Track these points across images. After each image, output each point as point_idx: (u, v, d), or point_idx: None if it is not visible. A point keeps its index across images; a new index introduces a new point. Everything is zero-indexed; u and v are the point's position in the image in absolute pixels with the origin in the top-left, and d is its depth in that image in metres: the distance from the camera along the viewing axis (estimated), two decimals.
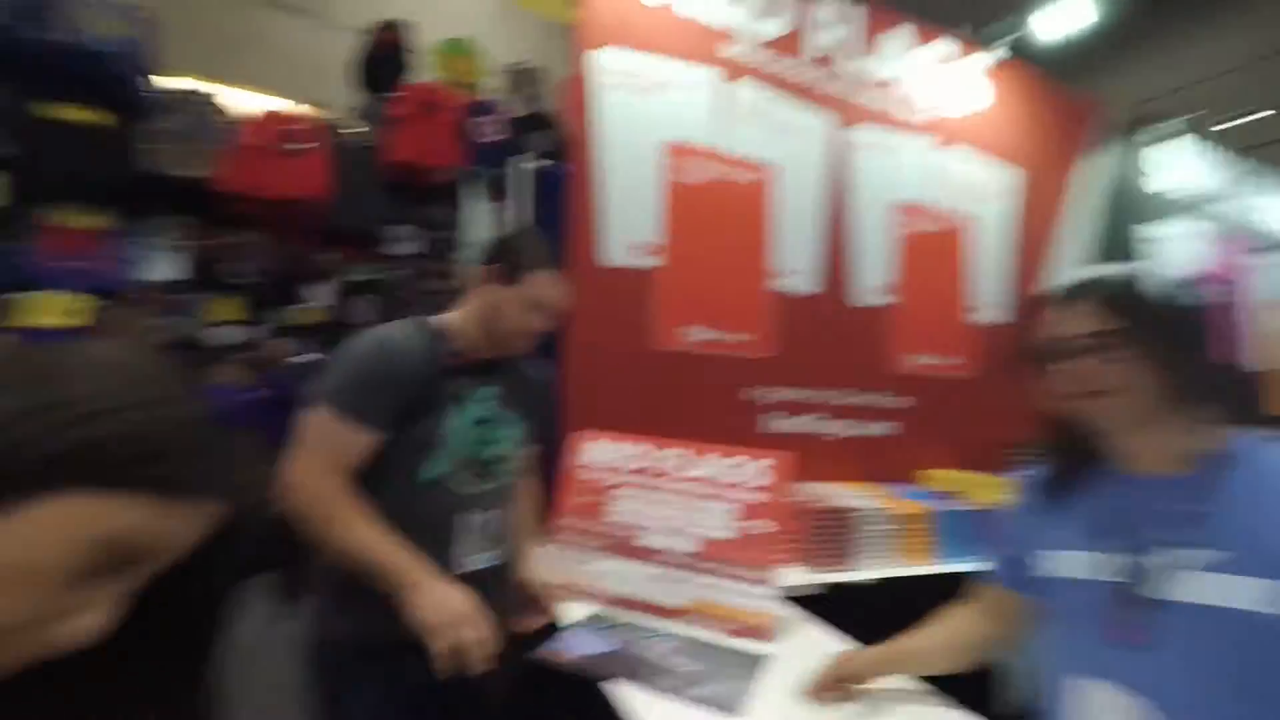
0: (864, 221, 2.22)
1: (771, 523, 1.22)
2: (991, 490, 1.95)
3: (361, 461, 1.02)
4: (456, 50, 4.11)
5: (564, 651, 1.04)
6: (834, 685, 0.95)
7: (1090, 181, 2.74)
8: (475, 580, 1.05)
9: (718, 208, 1.97)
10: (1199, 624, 0.67)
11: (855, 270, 2.20)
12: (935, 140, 2.36)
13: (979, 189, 2.46)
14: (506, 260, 1.14)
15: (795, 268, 2.10)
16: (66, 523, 0.33)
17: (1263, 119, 4.24)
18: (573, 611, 1.20)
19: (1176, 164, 3.12)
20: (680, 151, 1.93)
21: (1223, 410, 0.75)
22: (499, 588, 1.14)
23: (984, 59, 2.44)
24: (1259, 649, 0.64)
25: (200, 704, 0.44)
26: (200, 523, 0.38)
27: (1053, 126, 2.64)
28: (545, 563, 1.25)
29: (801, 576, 1.51)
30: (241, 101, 3.72)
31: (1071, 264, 2.70)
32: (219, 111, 3.59)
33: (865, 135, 2.23)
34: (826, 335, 2.12)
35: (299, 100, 4.19)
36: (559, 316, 1.20)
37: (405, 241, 4.32)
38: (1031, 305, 0.85)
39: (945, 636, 0.97)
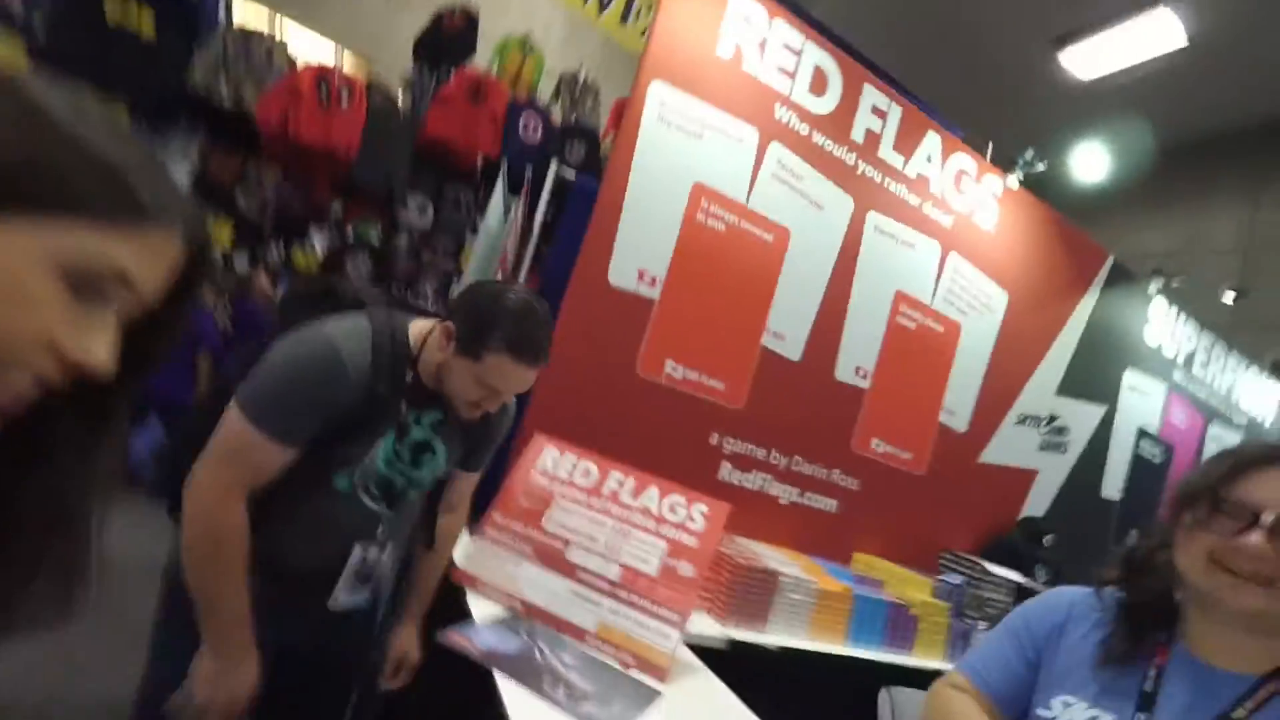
0: (862, 302, 2.30)
1: (694, 567, 1.26)
2: (914, 588, 2.00)
3: (276, 474, 0.94)
4: (519, 48, 4.22)
5: (472, 640, 1.06)
6: None
7: (1079, 319, 2.87)
8: (339, 619, 1.08)
9: (729, 256, 2.04)
10: None
11: (843, 347, 2.27)
12: (942, 245, 2.46)
13: (972, 301, 2.56)
14: (470, 327, 0.97)
15: (787, 331, 2.17)
16: (13, 245, 0.32)
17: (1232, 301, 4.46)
18: (487, 608, 1.22)
19: (1161, 321, 3.26)
20: (707, 195, 2.00)
21: None
22: (360, 630, 1.16)
23: (1002, 182, 2.56)
24: None
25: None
26: (157, 252, 0.36)
27: (1050, 259, 2.76)
28: (413, 634, 1.21)
29: (711, 627, 1.54)
30: (302, 43, 3.80)
31: (1047, 393, 2.81)
32: (280, 53, 3.67)
33: (881, 222, 2.33)
34: (799, 402, 2.18)
35: (358, 56, 4.29)
36: (510, 398, 1.06)
37: (417, 211, 4.39)
38: (1234, 457, 0.74)
39: None
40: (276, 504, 0.96)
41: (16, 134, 0.32)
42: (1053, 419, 2.84)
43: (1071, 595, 0.88)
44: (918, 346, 2.43)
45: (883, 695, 1.63)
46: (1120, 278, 3.00)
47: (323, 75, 3.58)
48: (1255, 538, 0.67)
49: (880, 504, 2.34)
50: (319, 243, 4.38)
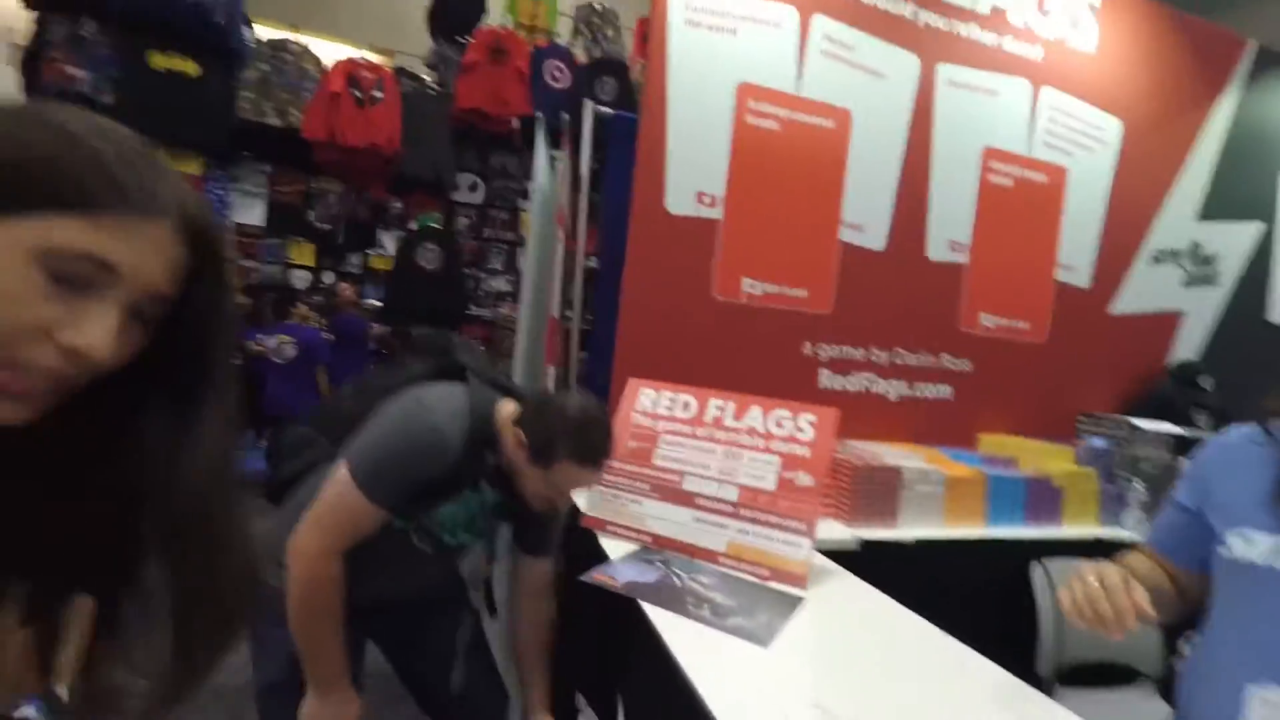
0: (946, 171, 2.09)
1: (811, 476, 1.25)
2: (1053, 459, 1.88)
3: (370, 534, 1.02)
4: None
5: (613, 576, 1.13)
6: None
7: (1217, 128, 2.45)
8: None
9: (788, 155, 1.91)
10: None
11: (931, 223, 2.09)
12: (1032, 82, 2.16)
13: (1078, 138, 2.25)
14: (540, 441, 1.02)
15: (866, 220, 2.02)
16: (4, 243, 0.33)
17: None
18: (620, 546, 1.28)
19: None
20: (753, 94, 1.87)
21: None
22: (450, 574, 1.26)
23: None
24: None
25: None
26: (147, 240, 0.37)
27: (1172, 65, 2.34)
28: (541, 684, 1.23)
29: (840, 531, 1.53)
30: (321, 50, 3.87)
31: (1186, 220, 2.45)
32: (310, 61, 3.76)
33: (955, 74, 2.08)
34: (893, 292, 2.05)
35: (374, 49, 4.31)
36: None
37: (468, 190, 4.45)
38: None
39: (1151, 589, 0.77)
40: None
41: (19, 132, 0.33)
42: (1197, 248, 2.49)
43: (1237, 434, 0.84)
44: (1018, 204, 2.19)
45: (1035, 568, 1.58)
46: (1269, 65, 2.50)
47: (351, 72, 3.64)
48: None
49: (1000, 381, 2.19)
50: (388, 243, 4.59)
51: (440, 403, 1.03)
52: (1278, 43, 2.63)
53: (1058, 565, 1.58)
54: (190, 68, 2.56)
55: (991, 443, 2.10)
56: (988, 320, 2.18)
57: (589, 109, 1.99)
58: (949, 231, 2.11)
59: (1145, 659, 1.55)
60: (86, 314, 0.36)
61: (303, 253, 4.45)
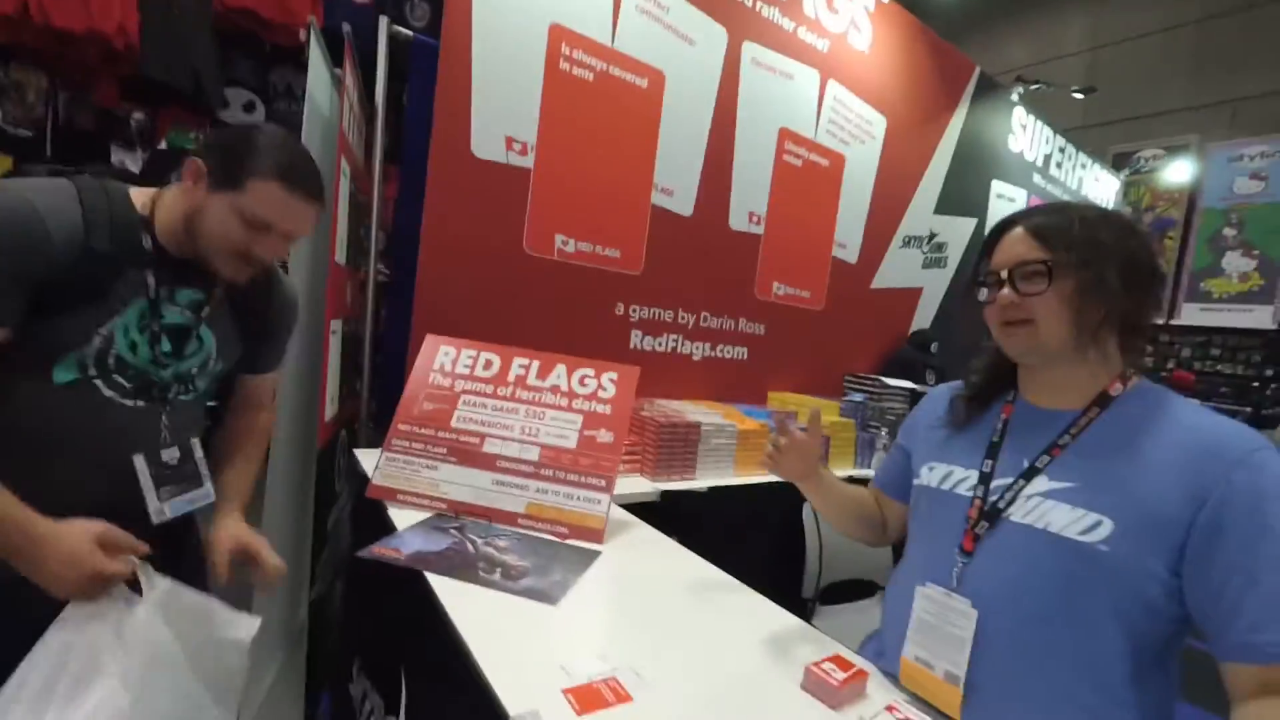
0: (748, 144, 2.22)
1: (612, 433, 1.27)
2: (825, 412, 2.17)
3: None
4: None
5: (398, 549, 1.03)
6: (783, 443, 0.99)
7: (952, 136, 2.95)
8: (156, 530, 0.91)
9: (603, 108, 1.87)
10: (1023, 541, 0.77)
11: (734, 194, 2.22)
12: (821, 73, 2.38)
13: (854, 130, 2.55)
14: (227, 157, 0.86)
15: (676, 185, 2.08)
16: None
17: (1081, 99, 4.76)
18: (410, 516, 1.18)
19: (1026, 129, 3.43)
20: (568, 39, 1.78)
21: (1138, 353, 0.80)
22: (182, 539, 1.02)
23: None
24: (1074, 572, 0.72)
25: None
26: None
27: (925, 76, 2.76)
28: (237, 522, 1.02)
29: (643, 485, 1.60)
30: None
31: (926, 212, 2.93)
32: None
33: (758, 54, 2.20)
34: (699, 257, 2.16)
35: None
36: (285, 244, 0.92)
37: (242, 109, 3.71)
38: (987, 237, 0.87)
39: (854, 500, 1.07)
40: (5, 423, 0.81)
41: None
42: (933, 236, 3.01)
43: (941, 388, 1.04)
44: (806, 184, 2.43)
45: (805, 507, 1.81)
46: (986, 90, 3.07)
47: None
48: (1004, 292, 0.80)
49: (786, 344, 2.45)
50: (129, 164, 3.66)
51: (28, 182, 0.81)
52: (994, 70, 3.24)
53: None
54: None
55: (777, 399, 2.36)
56: (779, 289, 2.41)
57: (385, 27, 1.74)
58: (749, 203, 2.27)
59: (882, 574, 1.87)
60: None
61: None
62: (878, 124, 2.62)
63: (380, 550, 1.02)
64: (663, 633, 0.88)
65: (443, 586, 0.92)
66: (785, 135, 2.32)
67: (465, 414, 1.32)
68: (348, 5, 3.47)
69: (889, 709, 0.73)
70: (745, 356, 2.34)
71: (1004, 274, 0.81)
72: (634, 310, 2.04)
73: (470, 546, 1.07)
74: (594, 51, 1.83)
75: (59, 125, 3.41)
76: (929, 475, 0.93)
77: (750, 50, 2.17)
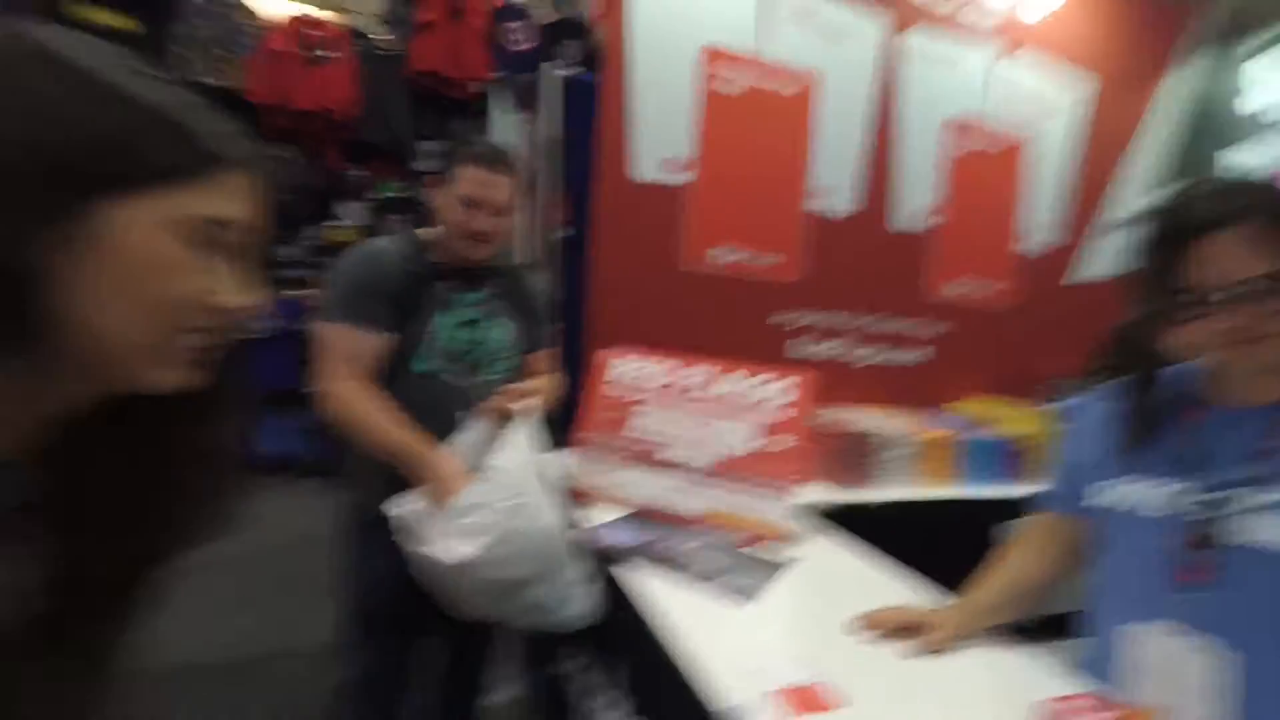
0: (912, 139, 2.08)
1: (789, 439, 1.24)
2: (1022, 421, 1.93)
3: (378, 359, 1.18)
4: None
5: (598, 538, 1.11)
6: (896, 629, 0.85)
7: (1174, 96, 2.50)
8: None
9: (755, 120, 1.87)
10: (1261, 563, 0.65)
11: (898, 191, 2.09)
12: (999, 47, 2.16)
13: (1044, 102, 2.27)
14: (444, 162, 1.23)
15: (834, 186, 2.01)
16: (136, 228, 0.35)
17: None
18: (600, 514, 1.26)
19: (1274, 80, 2.80)
20: (717, 58, 1.81)
21: None
22: None
23: None
24: None
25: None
26: (236, 188, 0.39)
27: (1137, 30, 2.37)
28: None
29: (820, 494, 1.55)
30: (267, 6, 3.61)
31: (1141, 190, 2.51)
32: (248, 16, 3.51)
33: (921, 42, 2.06)
34: (862, 259, 2.05)
35: (323, 5, 4.05)
36: (500, 212, 1.21)
37: (433, 157, 4.27)
38: (1163, 237, 0.70)
39: (1001, 588, 0.88)
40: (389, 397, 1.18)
41: (95, 112, 0.34)
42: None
43: (1097, 391, 0.89)
44: (982, 169, 2.21)
45: (1001, 528, 1.62)
46: (1214, 38, 2.55)
47: (299, 29, 3.42)
48: (1245, 309, 0.64)
49: (970, 345, 2.23)
50: (348, 217, 4.37)
51: (370, 240, 1.30)
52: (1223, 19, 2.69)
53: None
54: (116, 21, 2.35)
55: (963, 406, 2.15)
56: (956, 288, 2.20)
57: (548, 71, 1.91)
58: (915, 199, 2.12)
59: None
60: (223, 274, 0.39)
61: None
62: (1071, 94, 2.31)
63: (584, 535, 1.10)
64: (864, 646, 0.84)
65: (641, 577, 0.97)
66: (953, 122, 2.13)
67: (639, 423, 1.38)
68: (511, 55, 3.86)
69: None
70: (920, 361, 2.17)
71: (1218, 296, 0.64)
72: (790, 318, 2.00)
73: (663, 543, 1.12)
74: (745, 66, 1.84)
75: (301, 190, 4.20)
76: (1112, 496, 0.78)
77: (910, 36, 2.04)
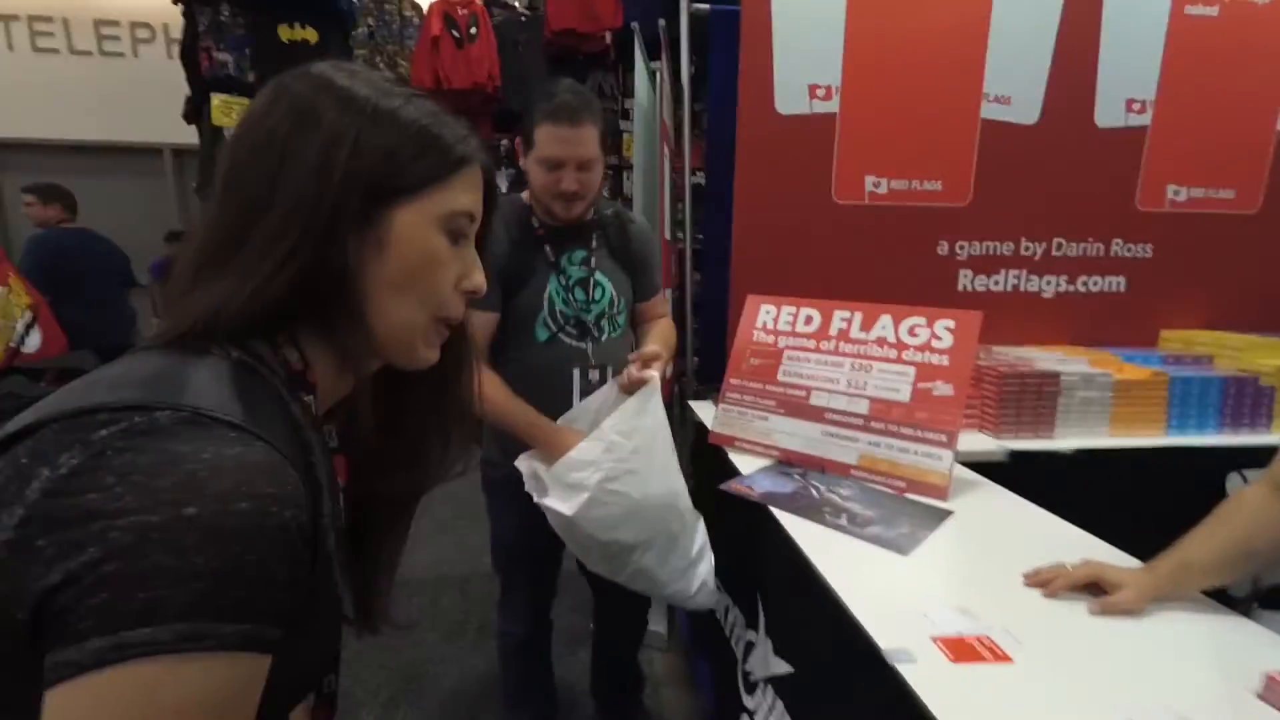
0: (1124, 10, 1.71)
1: (951, 385, 1.17)
2: (1261, 353, 1.59)
3: (491, 335, 1.18)
4: None
5: (750, 487, 1.16)
6: (1076, 587, 0.79)
7: None
8: None
9: (915, 26, 1.67)
10: None
11: (1102, 80, 1.75)
12: None
13: None
14: (524, 126, 1.15)
15: (1015, 90, 1.74)
16: (414, 227, 0.43)
17: None
18: (751, 462, 1.31)
19: None
20: None
21: None
22: None
23: None
24: None
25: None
26: (475, 183, 0.47)
27: None
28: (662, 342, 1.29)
29: (986, 443, 1.44)
30: None
31: None
32: (409, 7, 3.83)
33: None
34: (1049, 173, 1.78)
35: None
36: (585, 167, 1.15)
37: None
38: None
39: (1233, 539, 0.76)
40: (510, 372, 1.19)
41: (377, 134, 0.41)
42: None
43: None
44: (1224, 41, 1.75)
45: (1233, 479, 1.39)
46: None
47: (446, 11, 3.67)
48: None
49: (1192, 266, 1.85)
50: (503, 184, 4.70)
51: None
52: None
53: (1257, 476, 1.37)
54: (311, 35, 2.71)
55: (1178, 339, 1.82)
56: (1177, 193, 1.83)
57: (685, 8, 1.85)
58: (1126, 89, 1.76)
59: None
60: (471, 259, 0.48)
61: None
62: None
63: (737, 487, 1.16)
64: (1040, 604, 0.79)
65: (793, 524, 1.00)
66: None
67: (790, 368, 1.38)
68: (641, 2, 3.77)
69: None
70: (1124, 288, 1.86)
71: None
72: (961, 247, 1.81)
73: (815, 492, 1.14)
74: None
75: None
76: None
77: None
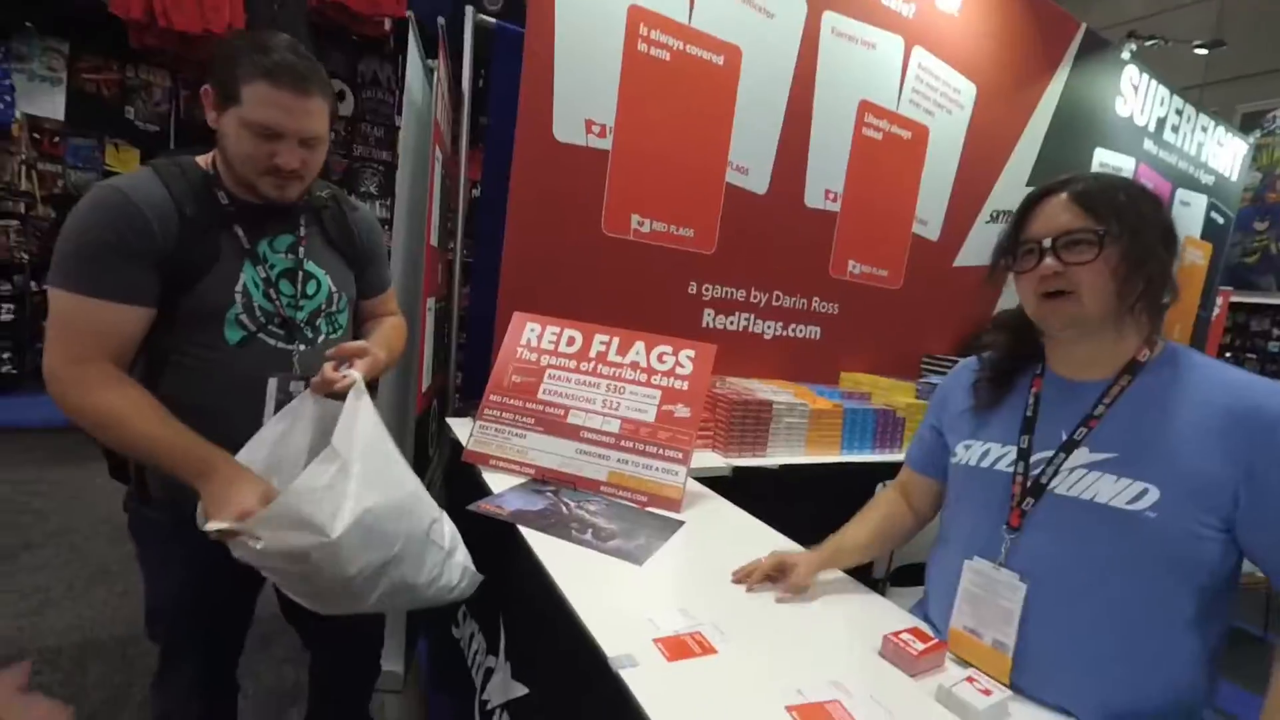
0: (826, 119, 2.17)
1: (689, 408, 1.31)
2: (898, 393, 2.13)
3: (136, 337, 0.90)
4: None
5: (500, 506, 1.13)
6: (766, 578, 0.94)
7: (1050, 102, 2.75)
8: None
9: (679, 88, 1.88)
10: (1072, 514, 0.77)
11: (810, 170, 2.18)
12: (905, 40, 2.28)
13: (939, 99, 2.43)
14: (222, 76, 0.89)
15: (750, 163, 2.07)
16: None
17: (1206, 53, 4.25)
18: (503, 480, 1.28)
19: (1137, 90, 3.14)
20: (646, 19, 1.79)
21: (1161, 319, 0.80)
22: None
23: None
24: (1124, 541, 0.73)
25: None
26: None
27: (1020, 38, 2.58)
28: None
29: (716, 460, 1.64)
30: None
31: (1018, 185, 2.77)
32: None
33: (839, 23, 2.13)
34: (772, 237, 2.15)
35: None
36: (311, 144, 0.96)
37: (336, 99, 3.94)
38: (1021, 204, 0.85)
39: (874, 528, 1.04)
40: (180, 380, 0.94)
41: None
42: None
43: (964, 366, 1.03)
44: (886, 158, 2.35)
45: (880, 487, 1.80)
46: (1092, 48, 2.83)
47: None
48: (1048, 261, 0.78)
49: (861, 323, 2.41)
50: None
51: (117, 177, 0.93)
52: (1105, 24, 2.97)
53: None
54: None
55: (850, 379, 2.33)
56: (854, 268, 2.36)
57: (471, 16, 1.81)
58: (826, 180, 2.23)
59: None
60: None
61: (122, 158, 3.76)
62: (966, 92, 2.49)
63: (486, 506, 1.12)
64: (742, 597, 0.93)
65: (539, 542, 1.00)
66: (865, 107, 2.25)
67: (550, 387, 1.40)
68: None
69: (969, 680, 0.75)
70: (818, 336, 2.32)
71: (1046, 243, 0.79)
72: (707, 289, 2.07)
73: (565, 509, 1.16)
74: (672, 31, 1.84)
75: (180, 120, 3.75)
76: (966, 453, 0.93)
77: (831, 20, 2.11)
